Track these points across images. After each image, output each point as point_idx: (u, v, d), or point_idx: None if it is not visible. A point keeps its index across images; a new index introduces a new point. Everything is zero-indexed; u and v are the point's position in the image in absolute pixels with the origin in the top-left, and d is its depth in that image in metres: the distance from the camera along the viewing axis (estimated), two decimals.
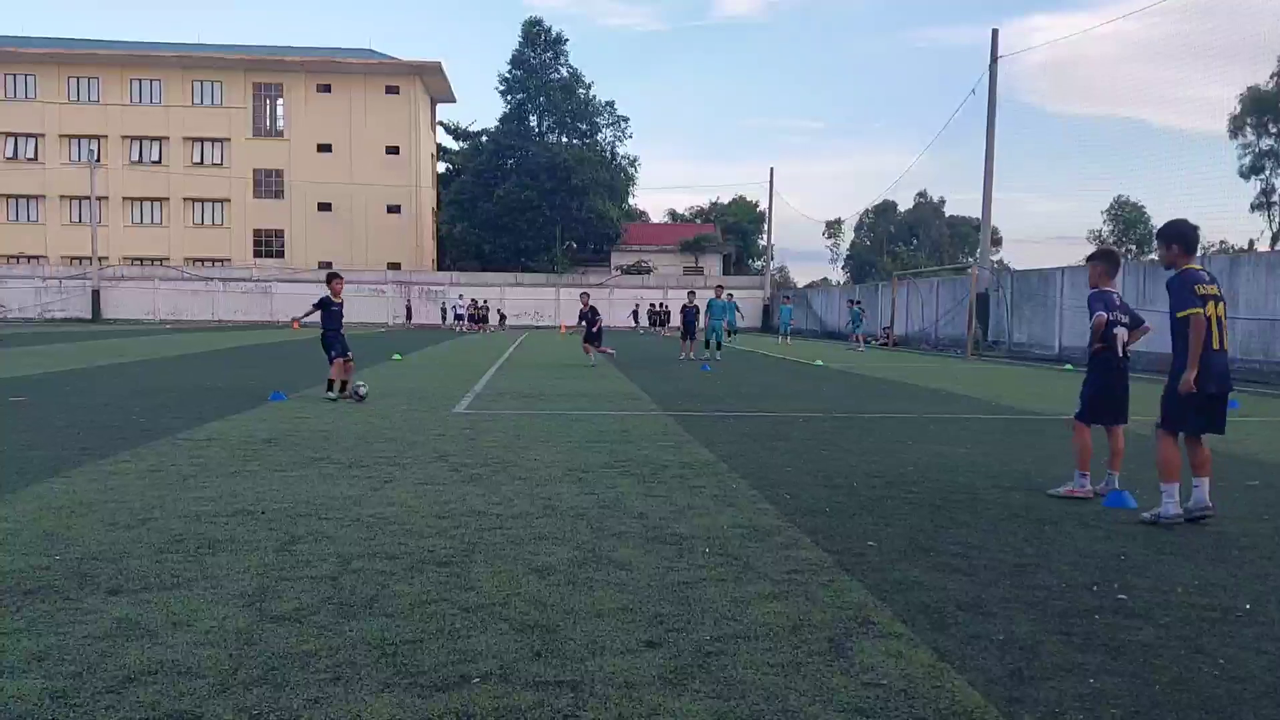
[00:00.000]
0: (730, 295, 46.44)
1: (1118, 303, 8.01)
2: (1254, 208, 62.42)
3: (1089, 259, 8.26)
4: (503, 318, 62.61)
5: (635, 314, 64.49)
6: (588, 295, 26.17)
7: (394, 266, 74.74)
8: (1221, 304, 6.93)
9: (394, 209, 77.77)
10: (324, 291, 15.05)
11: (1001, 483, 8.48)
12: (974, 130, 32.64)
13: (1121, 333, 7.94)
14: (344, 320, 15.00)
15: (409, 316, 66.87)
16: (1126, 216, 78.70)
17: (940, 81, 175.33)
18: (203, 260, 75.45)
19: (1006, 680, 3.89)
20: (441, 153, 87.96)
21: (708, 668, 3.97)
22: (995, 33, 36.72)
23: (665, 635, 4.36)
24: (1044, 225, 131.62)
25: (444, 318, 66.18)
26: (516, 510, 7.01)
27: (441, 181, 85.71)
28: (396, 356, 27.18)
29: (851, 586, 5.19)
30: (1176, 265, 7.05)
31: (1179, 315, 6.85)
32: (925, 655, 4.16)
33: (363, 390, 14.61)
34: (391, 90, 77.56)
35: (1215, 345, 6.82)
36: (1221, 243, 61.69)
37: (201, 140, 76.42)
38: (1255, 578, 5.48)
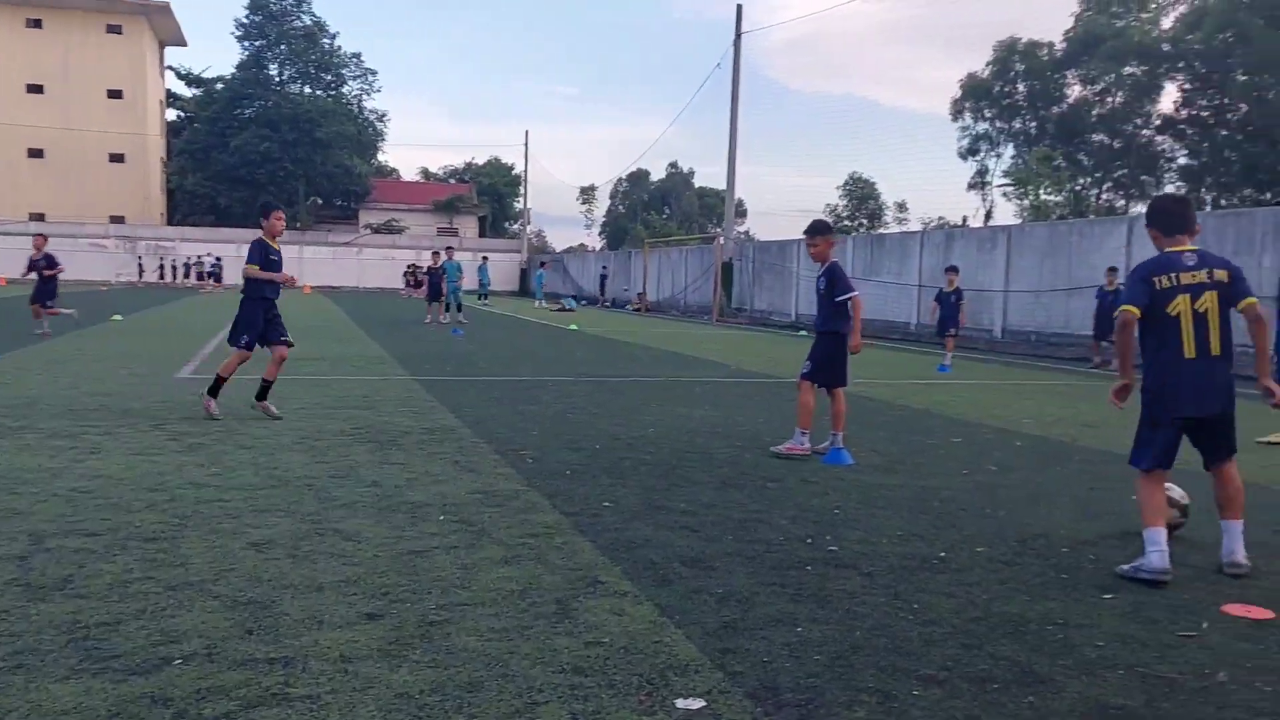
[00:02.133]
0: (486, 258, 46.12)
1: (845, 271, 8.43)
2: (970, 187, 67.80)
3: (815, 233, 8.43)
4: (213, 276, 58.06)
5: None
6: (44, 238, 19.86)
7: (118, 220, 69.16)
8: (1208, 294, 5.07)
9: (117, 158, 71.85)
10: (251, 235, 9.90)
11: (734, 442, 8.81)
12: (724, 103, 33.64)
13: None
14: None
15: (140, 273, 62.36)
16: (860, 192, 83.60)
17: (695, 54, 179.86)
18: None
19: (721, 632, 4.03)
20: (172, 99, 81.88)
21: (430, 637, 3.88)
22: (739, 9, 37.95)
23: (388, 606, 4.23)
24: (788, 198, 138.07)
25: (175, 275, 62.31)
26: (238, 481, 6.62)
27: (172, 130, 79.88)
28: (116, 317, 25.18)
29: (584, 548, 5.23)
30: (1159, 249, 5.35)
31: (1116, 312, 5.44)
32: (648, 612, 4.25)
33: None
34: (113, 29, 71.41)
35: (1189, 353, 5.06)
36: (940, 219, 66.71)
37: None
38: (951, 527, 5.95)
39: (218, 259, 59.49)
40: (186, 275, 60.42)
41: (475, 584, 4.57)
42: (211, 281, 57.18)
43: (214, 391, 9.53)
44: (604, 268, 56.11)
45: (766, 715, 3.29)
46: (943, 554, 5.34)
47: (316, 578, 4.60)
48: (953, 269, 18.99)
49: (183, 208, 75.42)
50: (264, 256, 9.63)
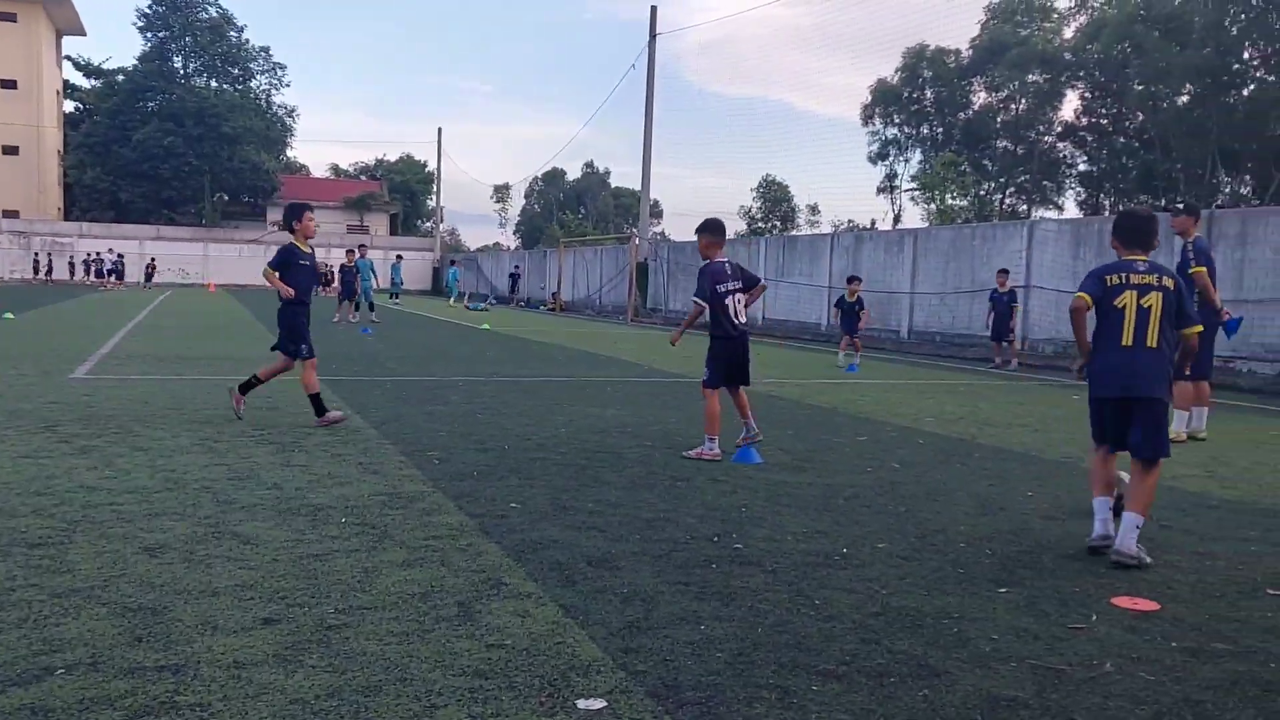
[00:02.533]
0: (400, 256, 45.61)
1: (729, 271, 8.30)
2: (879, 191, 69.09)
3: (698, 231, 8.55)
4: (114, 273, 55.93)
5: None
6: None
7: (11, 214, 66.56)
8: (1153, 294, 5.64)
9: (11, 150, 69.20)
10: (283, 237, 9.71)
11: (644, 442, 8.83)
12: (640, 104, 33.98)
13: (734, 300, 8.24)
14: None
15: (35, 271, 60.19)
16: (773, 194, 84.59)
17: (609, 53, 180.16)
18: None
19: (625, 632, 4.03)
20: (70, 90, 79.05)
21: (327, 642, 3.80)
22: (654, 10, 38.14)
23: (286, 611, 4.14)
24: (703, 199, 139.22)
25: (72, 273, 60.37)
26: (132, 484, 6.41)
27: (70, 123, 77.12)
28: (8, 315, 24.22)
29: (489, 549, 5.19)
30: (1118, 257, 5.96)
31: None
32: (551, 613, 4.23)
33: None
34: (7, 17, 68.75)
35: (1125, 341, 5.63)
36: (849, 221, 67.80)
37: None
38: (854, 524, 6.04)
39: (119, 256, 57.67)
40: (86, 272, 58.47)
41: (375, 587, 4.49)
42: (113, 279, 55.36)
43: (320, 409, 9.21)
44: (515, 267, 55.87)
45: (667, 714, 3.30)
46: (845, 550, 5.42)
47: (211, 582, 4.48)
48: (855, 279, 19.68)
49: (81, 202, 72.94)
50: (293, 260, 9.17)
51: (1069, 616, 4.45)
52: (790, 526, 5.92)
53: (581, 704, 3.35)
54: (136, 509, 5.77)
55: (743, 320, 8.37)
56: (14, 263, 61.54)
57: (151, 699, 3.26)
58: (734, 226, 78.18)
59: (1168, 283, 5.69)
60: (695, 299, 8.35)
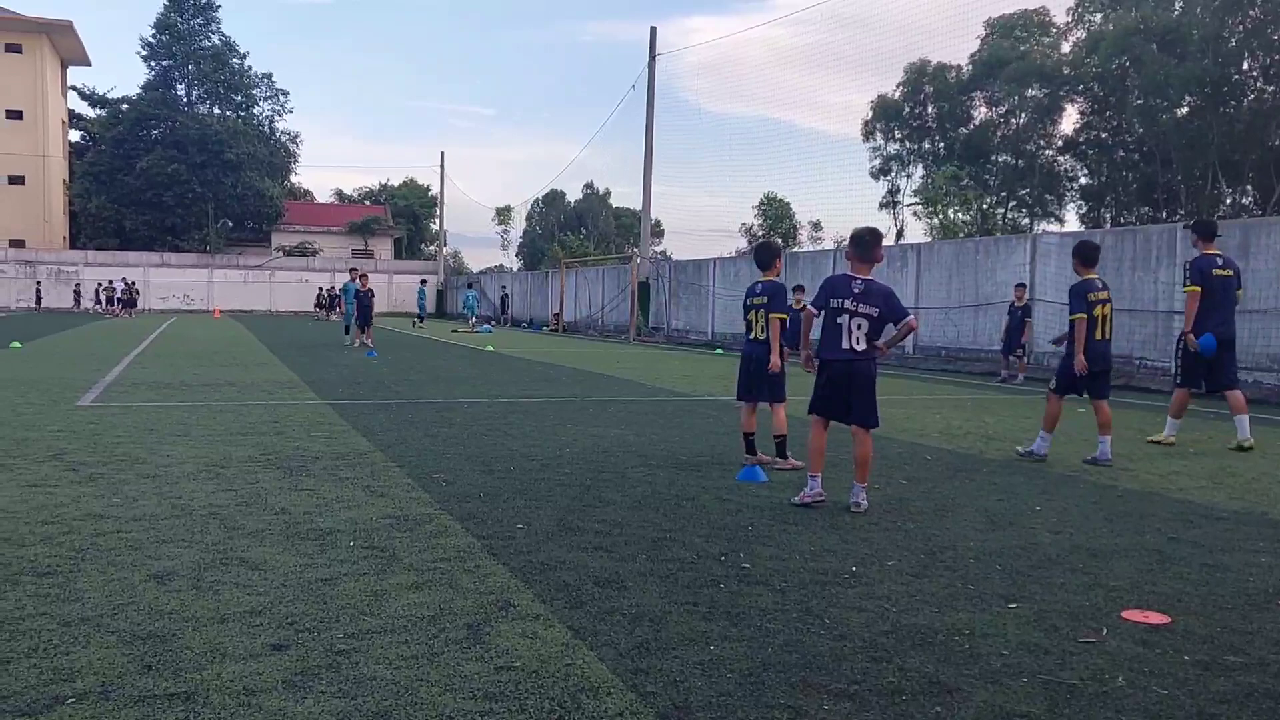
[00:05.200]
0: (424, 281, 46.22)
1: (856, 290, 6.93)
2: (881, 206, 69.10)
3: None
4: (123, 303, 55.48)
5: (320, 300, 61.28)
6: None
7: (17, 244, 66.85)
8: (1108, 305, 9.19)
9: (17, 180, 69.45)
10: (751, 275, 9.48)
11: (649, 461, 8.82)
12: (639, 125, 34.32)
13: (850, 322, 6.93)
14: None
15: (39, 300, 60.38)
16: (774, 212, 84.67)
17: (607, 75, 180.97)
18: None
19: (634, 653, 4.02)
20: (75, 120, 79.49)
21: (337, 667, 3.80)
22: (653, 31, 38.36)
23: (295, 636, 4.14)
24: (704, 218, 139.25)
25: (78, 301, 60.58)
26: (140, 511, 6.42)
27: (75, 151, 77.52)
28: (15, 345, 24.30)
29: (496, 571, 5.18)
30: (1079, 275, 9.29)
31: (1070, 318, 9.22)
32: (560, 634, 4.22)
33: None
34: (13, 49, 69.14)
35: (1099, 336, 9.10)
36: None
37: None
38: (862, 542, 6.03)
39: (133, 283, 57.70)
40: (97, 300, 58.59)
41: (384, 611, 4.49)
42: (117, 307, 55.17)
43: (783, 453, 8.80)
44: (503, 288, 56.73)
45: None
46: (854, 568, 5.41)
47: (220, 609, 4.48)
48: None
49: (87, 230, 73.27)
50: (788, 309, 9.04)
51: (1079, 630, 4.44)
52: (797, 545, 5.91)
53: None
54: (144, 536, 5.77)
55: (859, 347, 6.93)
56: (20, 292, 61.75)
57: None
58: (733, 244, 78.21)
59: (1108, 295, 9.34)
60: (808, 305, 7.53)
